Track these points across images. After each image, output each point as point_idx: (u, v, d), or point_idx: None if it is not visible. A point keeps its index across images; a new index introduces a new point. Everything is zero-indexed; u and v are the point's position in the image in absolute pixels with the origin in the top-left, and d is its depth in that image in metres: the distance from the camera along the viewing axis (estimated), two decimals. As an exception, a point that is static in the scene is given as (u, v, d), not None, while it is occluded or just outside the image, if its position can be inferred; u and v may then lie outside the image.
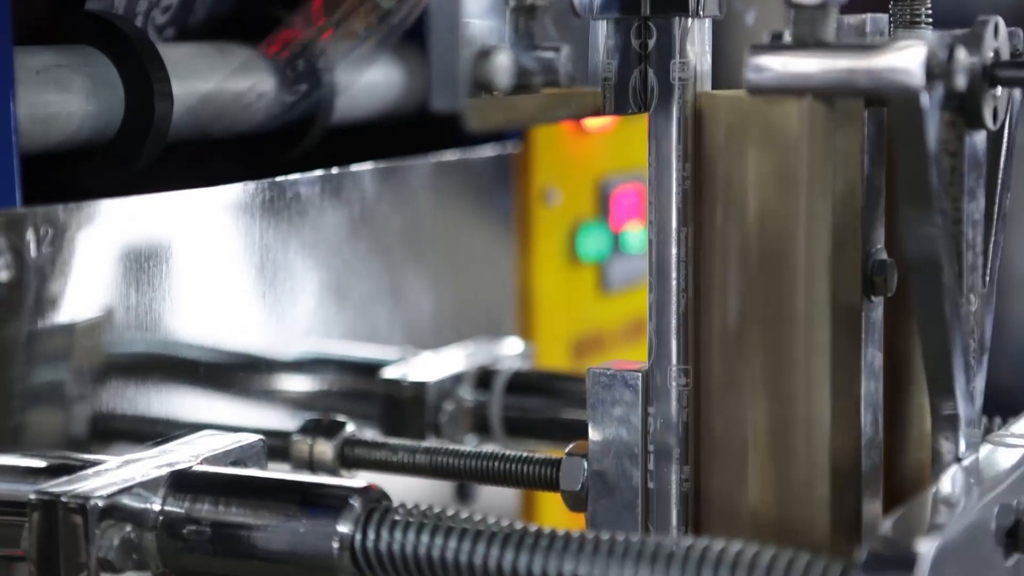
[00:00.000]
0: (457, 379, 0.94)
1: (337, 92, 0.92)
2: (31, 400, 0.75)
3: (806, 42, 0.63)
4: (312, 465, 0.86)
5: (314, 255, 0.91)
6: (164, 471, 0.70)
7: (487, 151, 1.05)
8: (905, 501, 0.64)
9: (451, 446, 0.84)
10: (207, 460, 0.72)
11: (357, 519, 0.66)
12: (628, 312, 1.21)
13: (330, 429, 0.86)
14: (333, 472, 0.86)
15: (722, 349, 0.70)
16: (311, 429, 0.87)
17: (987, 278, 0.72)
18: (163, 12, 0.87)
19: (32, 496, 0.68)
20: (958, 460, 0.68)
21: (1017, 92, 0.72)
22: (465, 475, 0.83)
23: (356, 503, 0.67)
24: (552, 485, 0.79)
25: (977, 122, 0.67)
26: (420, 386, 0.93)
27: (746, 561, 0.60)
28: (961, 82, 0.64)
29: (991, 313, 0.72)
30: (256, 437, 0.76)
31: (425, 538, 0.65)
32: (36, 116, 0.76)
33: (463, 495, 1.00)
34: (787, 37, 0.64)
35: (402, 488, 0.79)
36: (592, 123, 1.14)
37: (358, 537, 0.66)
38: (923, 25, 0.72)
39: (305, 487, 0.69)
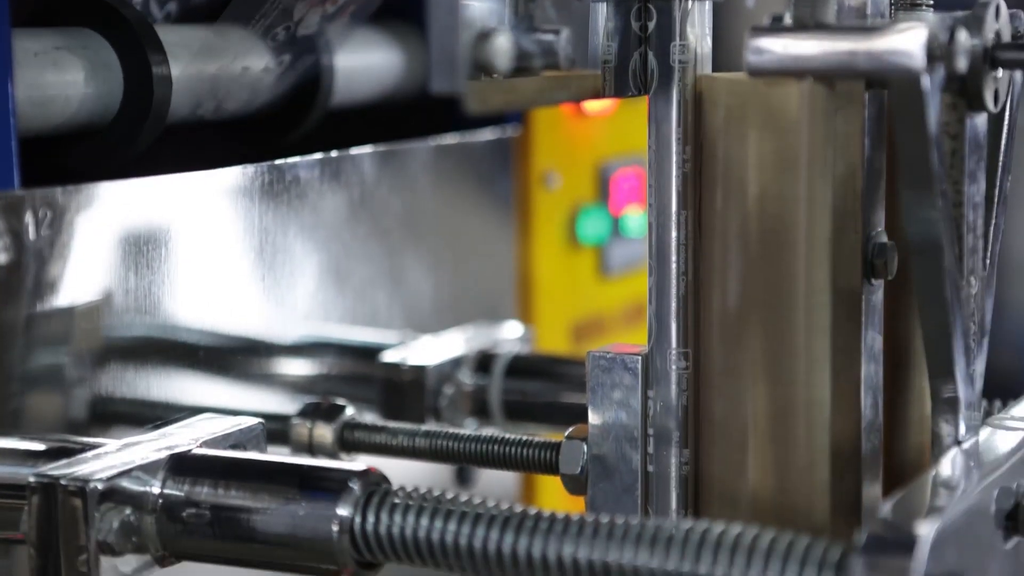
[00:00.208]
0: (457, 363, 0.94)
1: (327, 68, 0.92)
2: (30, 383, 0.75)
3: (807, 24, 0.63)
4: (312, 448, 0.86)
5: (313, 238, 0.91)
6: (163, 454, 0.70)
7: (487, 135, 1.05)
8: (905, 484, 0.64)
9: (451, 429, 0.84)
10: (206, 443, 0.72)
11: (356, 502, 0.66)
12: (628, 296, 1.21)
13: (330, 413, 0.86)
14: (333, 455, 0.86)
15: (722, 333, 0.70)
16: (311, 412, 0.87)
17: (987, 261, 0.72)
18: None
19: (31, 479, 0.68)
20: (958, 443, 0.68)
21: (1018, 74, 0.71)
22: (465, 459, 0.83)
23: (355, 486, 0.67)
24: (552, 468, 0.79)
25: (978, 104, 0.67)
26: (420, 370, 0.93)
27: (746, 544, 0.60)
28: (962, 64, 0.64)
29: (991, 296, 0.72)
30: (255, 420, 0.76)
31: (424, 521, 0.65)
32: (34, 98, 0.76)
33: (463, 479, 1.00)
34: (788, 19, 0.64)
35: (402, 472, 0.78)
36: (592, 107, 1.14)
37: (357, 520, 0.66)
38: (924, 7, 0.71)
39: (305, 470, 0.69)
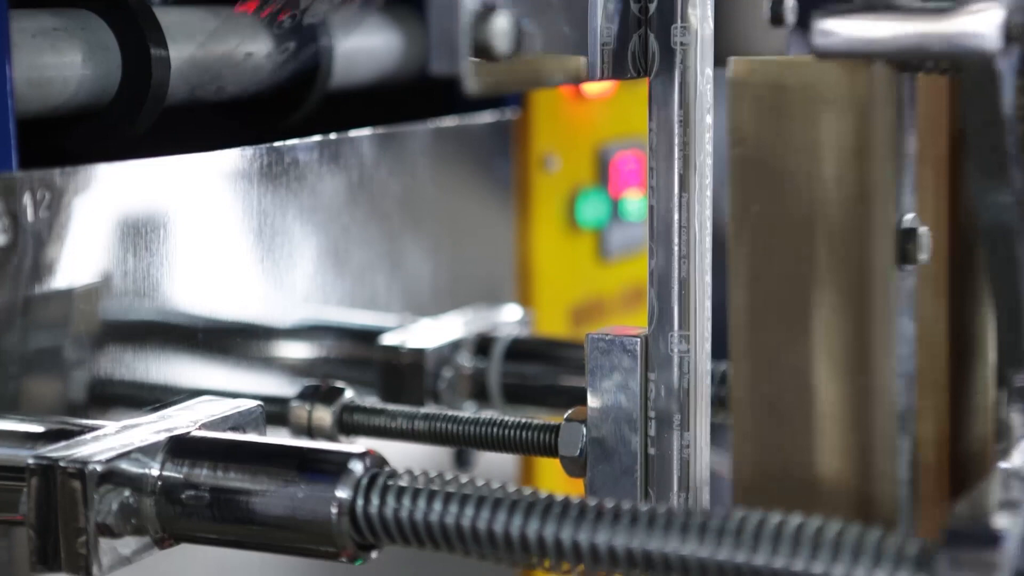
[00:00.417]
0: (456, 346, 0.94)
1: (326, 50, 0.91)
2: (29, 365, 0.75)
3: (875, 5, 0.61)
4: (311, 431, 0.86)
5: (312, 221, 0.91)
6: (163, 436, 0.70)
7: (486, 117, 1.05)
8: (971, 476, 0.62)
9: (450, 412, 0.84)
10: (206, 425, 0.72)
11: (355, 484, 0.66)
12: (627, 279, 1.21)
13: (329, 395, 0.86)
14: (332, 438, 0.86)
15: (783, 317, 0.66)
16: (310, 395, 0.87)
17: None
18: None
19: (30, 461, 0.67)
20: None
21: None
22: (464, 441, 0.83)
23: (354, 468, 0.67)
24: (551, 451, 0.79)
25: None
26: (419, 353, 0.93)
27: (809, 535, 0.58)
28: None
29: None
30: (255, 403, 0.76)
31: (424, 503, 0.65)
32: (32, 80, 0.76)
33: (462, 461, 1.00)
34: None
35: (401, 454, 0.79)
36: (591, 89, 1.14)
37: (358, 502, 0.66)
38: None
39: (303, 452, 0.69)
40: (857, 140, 0.64)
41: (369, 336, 0.94)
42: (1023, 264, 0.63)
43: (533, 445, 0.80)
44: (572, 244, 1.14)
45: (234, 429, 0.74)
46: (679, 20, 0.70)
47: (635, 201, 1.19)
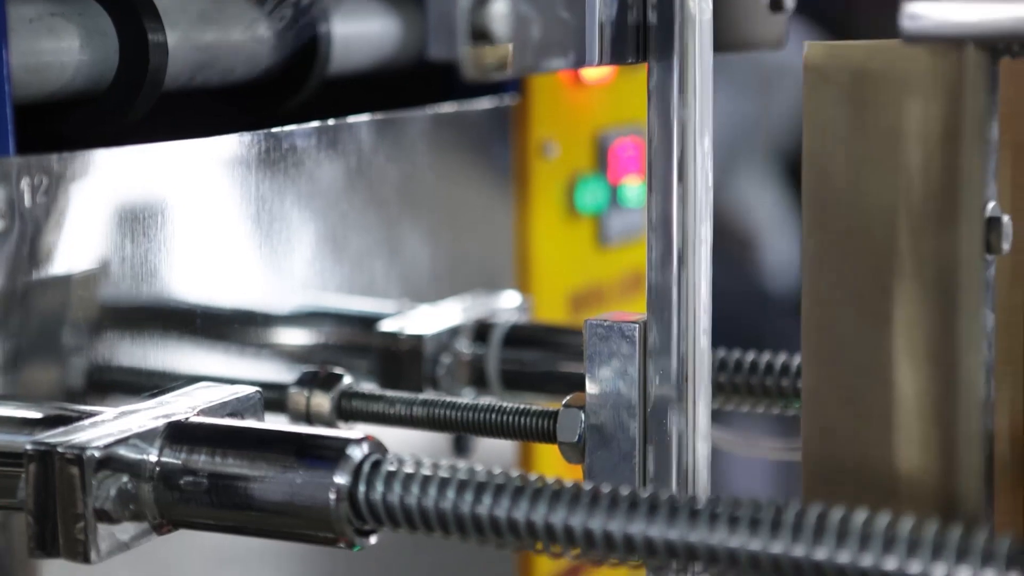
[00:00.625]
0: (454, 332, 0.94)
1: (324, 36, 0.91)
2: (27, 351, 0.75)
3: None
4: (309, 417, 0.86)
5: (310, 207, 0.91)
6: (161, 422, 0.70)
7: (484, 103, 1.05)
8: None
9: (448, 398, 0.84)
10: (204, 411, 0.72)
11: (354, 470, 0.66)
12: (626, 265, 1.21)
13: (327, 381, 0.86)
14: (330, 424, 0.86)
15: (861, 307, 0.65)
16: (308, 381, 0.87)
17: None
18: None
19: (28, 447, 0.67)
20: None
21: None
22: (462, 427, 0.83)
23: (353, 454, 0.67)
24: (549, 437, 0.79)
25: None
26: (417, 339, 0.92)
27: (882, 531, 0.57)
28: None
29: None
30: (253, 389, 0.76)
31: (422, 489, 0.65)
32: (29, 65, 0.76)
33: (460, 447, 1.00)
34: None
35: (399, 441, 0.78)
36: (590, 75, 1.14)
37: (357, 488, 0.66)
38: None
39: (302, 438, 0.69)
40: (946, 127, 0.63)
41: (367, 322, 0.94)
42: None
43: (532, 431, 0.80)
44: (571, 230, 1.14)
45: (232, 415, 0.74)
46: (678, 5, 0.70)
47: (634, 187, 1.19)
